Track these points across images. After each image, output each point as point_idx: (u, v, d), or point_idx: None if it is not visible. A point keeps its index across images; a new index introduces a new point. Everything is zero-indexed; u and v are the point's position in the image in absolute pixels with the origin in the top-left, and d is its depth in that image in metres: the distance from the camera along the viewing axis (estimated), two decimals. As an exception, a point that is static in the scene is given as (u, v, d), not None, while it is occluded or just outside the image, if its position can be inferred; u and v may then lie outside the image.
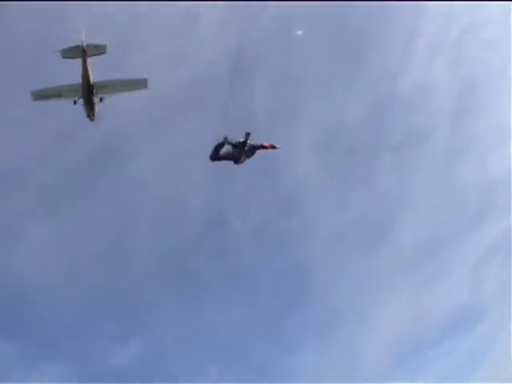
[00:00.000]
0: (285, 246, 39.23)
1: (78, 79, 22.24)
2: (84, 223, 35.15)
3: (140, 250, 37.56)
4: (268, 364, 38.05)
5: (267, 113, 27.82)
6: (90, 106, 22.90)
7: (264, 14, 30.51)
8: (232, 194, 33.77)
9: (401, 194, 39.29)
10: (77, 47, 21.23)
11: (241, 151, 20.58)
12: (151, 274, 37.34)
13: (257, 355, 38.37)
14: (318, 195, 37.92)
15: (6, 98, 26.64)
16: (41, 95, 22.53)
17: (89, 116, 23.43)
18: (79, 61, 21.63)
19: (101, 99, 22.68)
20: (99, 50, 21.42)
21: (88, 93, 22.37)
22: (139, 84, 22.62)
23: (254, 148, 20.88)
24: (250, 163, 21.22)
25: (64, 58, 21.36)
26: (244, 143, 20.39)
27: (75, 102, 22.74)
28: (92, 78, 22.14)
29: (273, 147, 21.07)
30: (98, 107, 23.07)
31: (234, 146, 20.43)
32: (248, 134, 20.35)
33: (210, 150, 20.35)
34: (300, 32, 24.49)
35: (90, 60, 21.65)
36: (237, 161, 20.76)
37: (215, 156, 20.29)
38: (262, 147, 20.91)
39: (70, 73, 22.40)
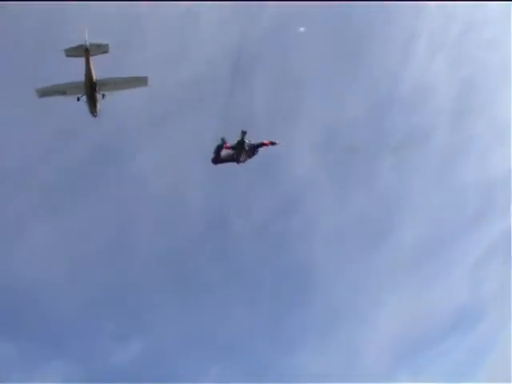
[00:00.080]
0: (285, 245, 39.39)
1: (81, 77, 22.86)
2: (85, 222, 35.34)
3: (141, 249, 37.70)
4: (268, 364, 38.21)
5: (267, 113, 27.92)
6: (92, 103, 23.55)
7: (264, 14, 30.60)
8: (232, 194, 33.86)
9: (401, 194, 39.44)
10: (80, 46, 21.85)
11: (240, 151, 20.67)
12: (152, 274, 37.49)
13: (257, 355, 38.50)
14: (318, 195, 38.06)
15: (9, 96, 26.87)
16: (45, 92, 23.06)
17: (91, 112, 24.06)
18: (82, 60, 22.27)
19: (103, 96, 23.31)
20: (102, 49, 22.03)
21: (91, 90, 23.01)
22: (139, 82, 23.12)
23: (255, 147, 20.97)
24: (250, 163, 21.33)
25: (68, 56, 21.92)
26: (242, 142, 20.49)
27: (78, 99, 23.37)
28: (94, 76, 22.76)
29: (272, 144, 21.19)
30: (100, 104, 23.72)
31: (233, 147, 20.55)
32: (244, 133, 20.48)
33: (210, 150, 20.52)
34: (302, 29, 24.53)
35: (92, 59, 22.29)
36: (238, 161, 20.85)
37: (217, 159, 20.44)
38: (262, 145, 21.01)
39: (72, 71, 22.80)
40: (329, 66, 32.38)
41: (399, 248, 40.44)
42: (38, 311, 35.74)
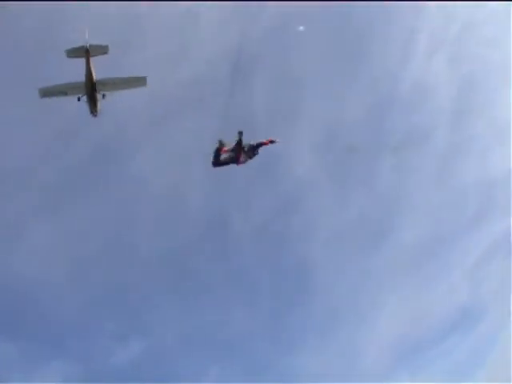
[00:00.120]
0: (285, 245, 39.38)
1: (81, 77, 23.26)
2: (85, 222, 35.32)
3: (141, 249, 37.68)
4: (268, 364, 38.22)
5: (267, 113, 27.88)
6: (92, 103, 24.03)
7: (264, 14, 30.59)
8: (232, 194, 33.83)
9: (401, 194, 39.41)
10: (81, 48, 22.36)
11: (239, 152, 20.64)
12: (152, 274, 37.49)
13: (257, 355, 38.51)
14: (318, 195, 38.05)
15: (9, 96, 26.92)
16: (48, 92, 23.51)
17: (92, 112, 24.51)
18: (82, 60, 22.71)
19: (103, 96, 23.77)
20: (102, 50, 22.53)
21: (91, 90, 23.50)
22: (138, 82, 23.51)
23: (254, 147, 20.94)
24: (250, 163, 21.23)
25: (69, 57, 22.46)
26: (239, 143, 20.50)
27: (79, 99, 23.84)
28: (95, 77, 23.22)
29: (271, 142, 21.14)
30: (100, 104, 24.15)
31: (232, 150, 20.55)
32: (240, 133, 20.42)
33: (210, 150, 20.44)
34: (302, 27, 24.50)
35: (92, 59, 22.73)
36: (238, 162, 20.83)
37: (217, 162, 20.45)
38: (262, 144, 20.98)
39: (72, 71, 23.09)
40: (329, 66, 32.40)
41: (399, 248, 40.47)
42: (38, 311, 35.82)
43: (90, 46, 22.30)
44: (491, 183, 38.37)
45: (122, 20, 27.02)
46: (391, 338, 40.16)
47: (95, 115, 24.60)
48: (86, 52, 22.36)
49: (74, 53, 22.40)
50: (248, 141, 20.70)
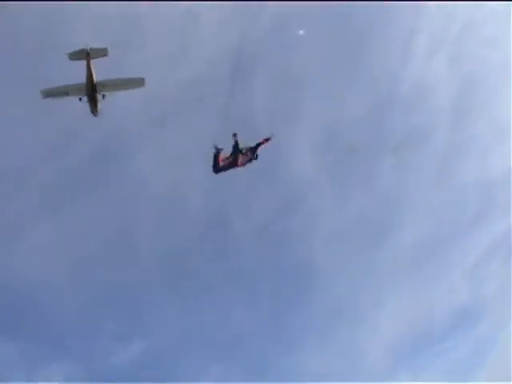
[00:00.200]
0: (285, 245, 39.37)
1: (81, 77, 23.77)
2: (85, 222, 35.28)
3: (141, 249, 37.68)
4: (268, 364, 38.19)
5: (267, 113, 27.84)
6: (93, 103, 24.76)
7: (264, 14, 30.60)
8: (232, 194, 33.76)
9: (401, 193, 39.41)
10: (82, 51, 23.08)
11: (237, 155, 20.61)
12: (152, 274, 37.45)
13: (257, 355, 38.49)
14: (318, 195, 38.05)
15: (9, 97, 26.96)
16: (50, 93, 24.21)
17: (92, 112, 25.12)
18: (83, 62, 23.38)
19: (103, 96, 24.51)
20: (101, 53, 23.23)
21: (91, 91, 24.20)
22: (137, 83, 24.14)
23: (252, 149, 20.90)
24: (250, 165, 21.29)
25: (71, 59, 23.19)
26: (236, 146, 20.49)
27: (80, 99, 24.52)
28: (95, 78, 23.81)
29: (267, 140, 21.05)
30: (100, 104, 24.74)
31: (230, 156, 20.51)
32: (235, 135, 20.38)
33: (210, 151, 20.32)
34: (302, 31, 24.56)
35: (92, 61, 23.35)
36: (237, 165, 20.75)
37: (217, 167, 20.40)
38: (259, 145, 20.92)
39: (72, 71, 23.43)
40: (329, 66, 32.41)
41: (399, 248, 40.49)
42: (38, 311, 35.80)
43: (91, 49, 22.96)
44: (491, 183, 38.46)
45: (122, 20, 27.12)
46: (391, 338, 40.23)
47: (96, 115, 25.17)
48: (86, 55, 23.08)
49: (75, 56, 23.12)
50: (245, 142, 20.62)
